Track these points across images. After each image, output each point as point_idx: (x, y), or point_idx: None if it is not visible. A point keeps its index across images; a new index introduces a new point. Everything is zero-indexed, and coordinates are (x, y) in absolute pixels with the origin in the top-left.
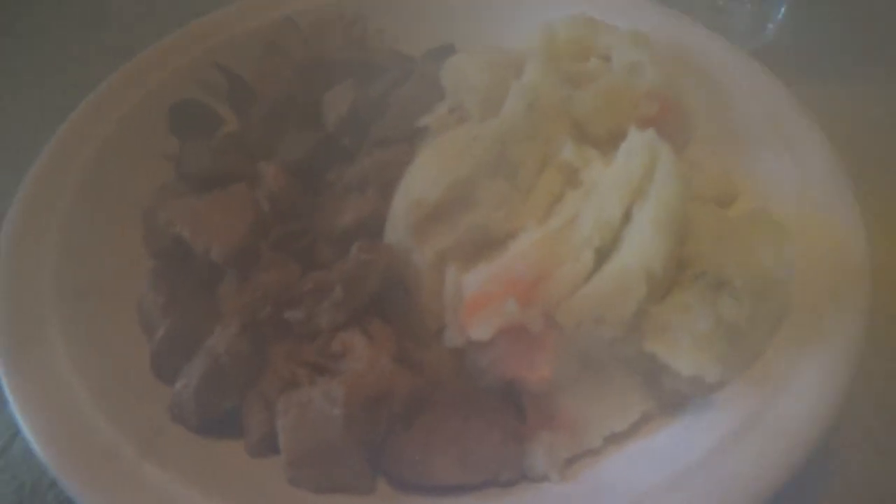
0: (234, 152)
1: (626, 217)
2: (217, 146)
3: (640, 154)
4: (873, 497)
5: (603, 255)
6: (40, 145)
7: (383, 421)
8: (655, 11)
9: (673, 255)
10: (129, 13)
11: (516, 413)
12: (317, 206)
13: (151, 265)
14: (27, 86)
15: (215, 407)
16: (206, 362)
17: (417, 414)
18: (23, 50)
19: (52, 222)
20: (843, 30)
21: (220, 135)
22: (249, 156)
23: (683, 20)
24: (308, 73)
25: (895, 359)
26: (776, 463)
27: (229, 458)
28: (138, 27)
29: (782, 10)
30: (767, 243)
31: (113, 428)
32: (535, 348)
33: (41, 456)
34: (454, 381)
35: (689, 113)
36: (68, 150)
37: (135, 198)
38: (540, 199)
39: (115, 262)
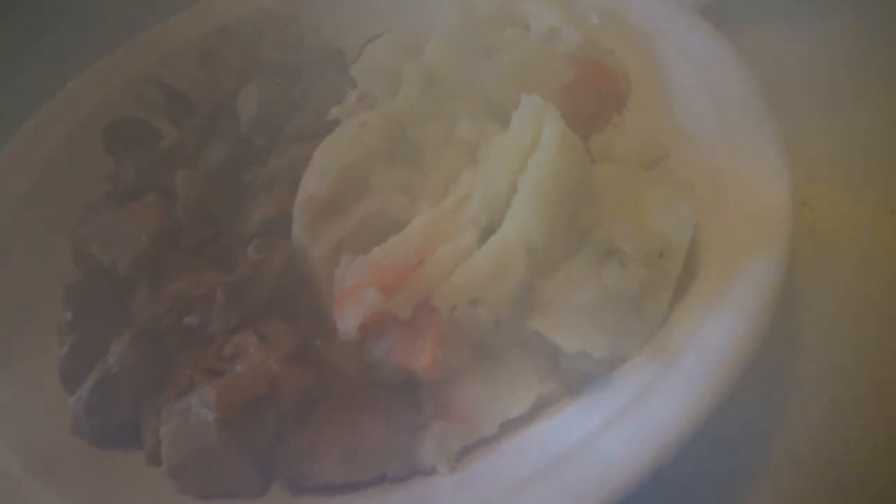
0: (165, 165)
1: (513, 189)
2: (150, 161)
3: (527, 121)
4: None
5: (491, 232)
6: None
7: (270, 421)
8: None
9: (560, 225)
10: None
11: (413, 405)
12: (231, 208)
13: (67, 283)
14: None
15: (108, 418)
16: (98, 374)
17: (311, 411)
18: None
19: None
20: None
21: (155, 150)
22: (180, 167)
23: None
24: (243, 79)
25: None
26: (653, 443)
27: (127, 469)
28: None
29: None
30: (666, 205)
31: (4, 445)
32: (419, 336)
33: None
34: (357, 376)
35: (623, 75)
36: (8, 173)
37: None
38: (439, 180)
39: (45, 284)
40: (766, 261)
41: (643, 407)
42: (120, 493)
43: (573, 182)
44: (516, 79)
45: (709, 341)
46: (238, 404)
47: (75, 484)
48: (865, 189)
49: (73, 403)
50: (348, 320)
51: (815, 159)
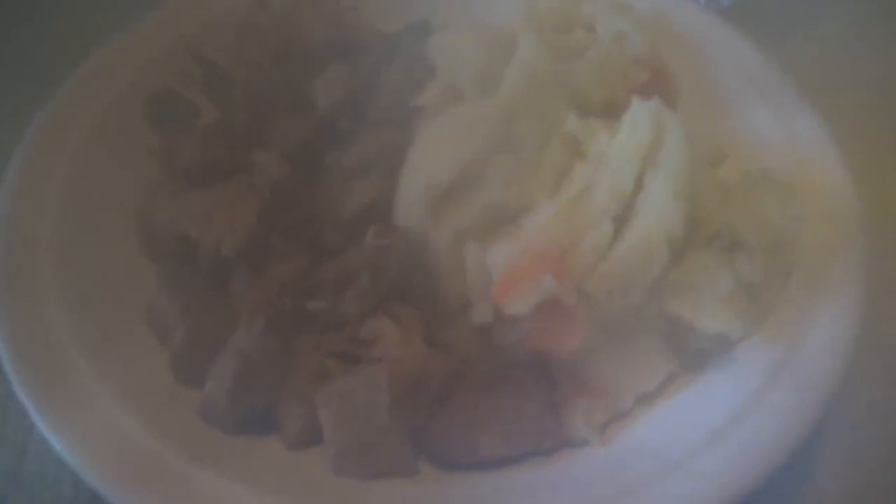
0: (220, 143)
1: (639, 185)
2: (201, 138)
3: (647, 123)
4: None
5: (619, 223)
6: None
7: (424, 404)
8: None
9: (689, 219)
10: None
11: (547, 384)
12: (318, 192)
13: (156, 267)
14: None
15: (250, 406)
16: (237, 362)
17: (452, 394)
18: None
19: (42, 235)
20: None
21: (200, 125)
22: (236, 145)
23: None
24: (286, 56)
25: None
26: (804, 412)
27: (268, 453)
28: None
29: None
30: (773, 201)
31: (153, 437)
32: (566, 319)
33: (87, 476)
34: (481, 358)
35: (674, 78)
36: (47, 154)
37: (121, 197)
38: (548, 173)
39: (112, 266)
40: (848, 255)
41: (777, 387)
42: (274, 476)
43: (694, 179)
44: (599, 78)
45: (822, 328)
46: (404, 386)
47: (230, 468)
48: None
49: (210, 393)
50: (520, 303)
51: None
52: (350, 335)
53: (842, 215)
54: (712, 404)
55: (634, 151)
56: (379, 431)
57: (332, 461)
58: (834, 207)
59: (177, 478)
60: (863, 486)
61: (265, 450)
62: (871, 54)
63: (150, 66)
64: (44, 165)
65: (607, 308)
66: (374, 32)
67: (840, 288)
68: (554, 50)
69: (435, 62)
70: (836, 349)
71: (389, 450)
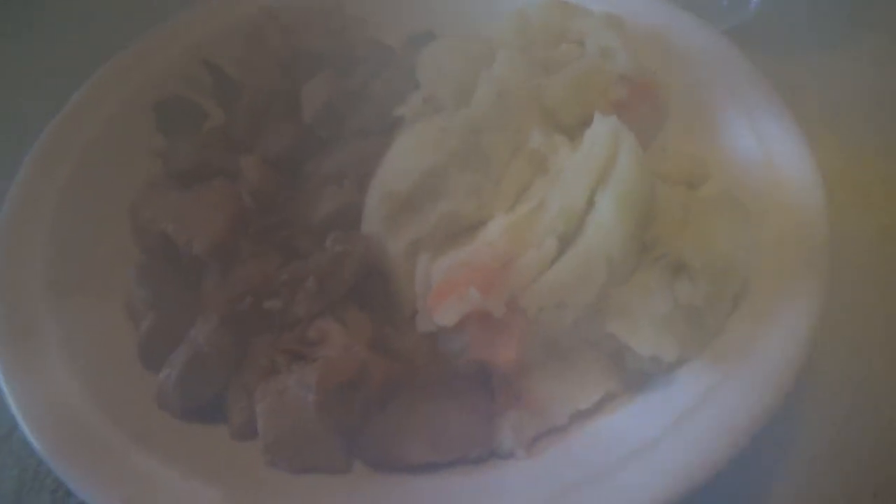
0: (219, 147)
1: (590, 203)
2: (202, 141)
3: (603, 140)
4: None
5: (566, 241)
6: (23, 146)
7: (357, 405)
8: None
9: (633, 239)
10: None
11: (486, 394)
12: (295, 197)
13: (137, 261)
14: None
15: (198, 395)
16: (188, 353)
17: (392, 397)
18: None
19: (42, 220)
20: (824, 2)
21: (204, 130)
22: (234, 150)
23: (656, 1)
24: (289, 65)
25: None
26: (729, 437)
27: (212, 441)
28: (116, 24)
29: None
30: (728, 226)
31: (104, 418)
32: (502, 332)
33: (37, 447)
34: (429, 365)
35: (663, 96)
36: (57, 150)
37: (124, 194)
38: (509, 187)
39: (105, 258)
40: (809, 281)
41: (709, 408)
42: (212, 463)
43: (647, 200)
44: (575, 94)
45: (764, 352)
46: (334, 386)
47: (172, 453)
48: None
49: (163, 380)
50: (447, 315)
51: None
52: (299, 335)
53: (807, 244)
54: (642, 422)
55: (588, 169)
56: (306, 428)
57: (264, 453)
58: (801, 235)
59: (115, 455)
60: None
61: (210, 438)
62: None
63: (162, 72)
64: (54, 160)
65: (544, 324)
66: (372, 44)
67: (789, 318)
68: (540, 64)
69: (419, 74)
70: (772, 380)
71: (319, 446)
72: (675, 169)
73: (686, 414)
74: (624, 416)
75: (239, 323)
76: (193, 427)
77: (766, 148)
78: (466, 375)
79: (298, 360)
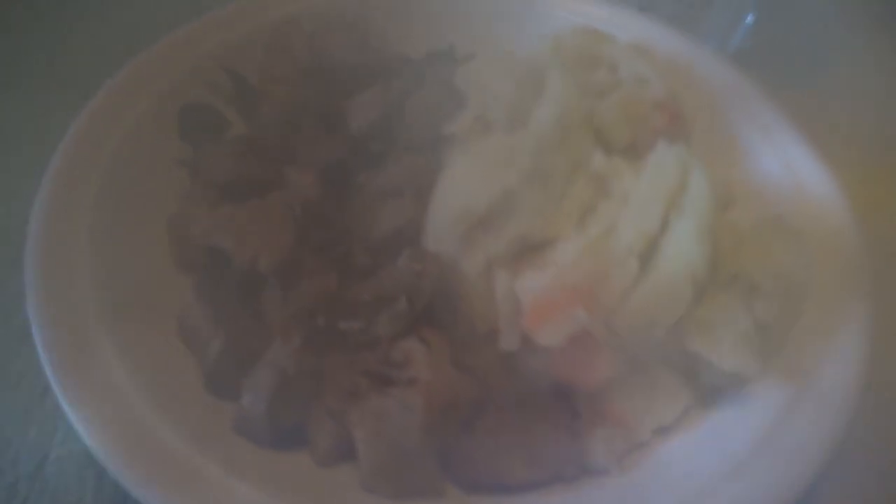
0: (252, 158)
1: (664, 227)
2: (233, 151)
3: (674, 166)
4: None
5: (643, 262)
6: (41, 149)
7: (454, 426)
8: (649, 23)
9: (711, 260)
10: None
11: (570, 411)
12: (349, 212)
13: (191, 279)
14: (21, 87)
15: (285, 421)
16: (273, 376)
17: (477, 418)
18: (15, 51)
19: (78, 237)
20: (809, 34)
21: (229, 138)
22: (268, 161)
23: (673, 32)
24: (315, 76)
25: None
26: (817, 447)
27: (298, 468)
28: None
29: (750, 15)
30: (787, 248)
31: (191, 448)
32: (594, 352)
33: (127, 485)
34: (504, 384)
35: (687, 122)
36: (80, 162)
37: (153, 206)
38: (573, 208)
39: (143, 274)
40: (857, 299)
41: (789, 427)
42: (306, 491)
43: (715, 223)
44: (624, 119)
45: (832, 368)
46: (437, 409)
47: (266, 482)
48: None
49: (247, 406)
50: (552, 335)
51: None
52: (382, 356)
53: (847, 259)
54: (727, 439)
55: (660, 193)
56: (410, 452)
57: (364, 479)
58: (839, 251)
59: (216, 490)
60: None
61: (295, 465)
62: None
63: (183, 78)
64: (78, 174)
65: (632, 343)
66: (401, 58)
67: (847, 328)
68: (579, 87)
69: (465, 91)
70: (844, 388)
71: (419, 470)
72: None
73: (769, 432)
74: (706, 431)
75: (316, 343)
76: (276, 455)
77: (791, 171)
78: (547, 394)
79: (383, 382)
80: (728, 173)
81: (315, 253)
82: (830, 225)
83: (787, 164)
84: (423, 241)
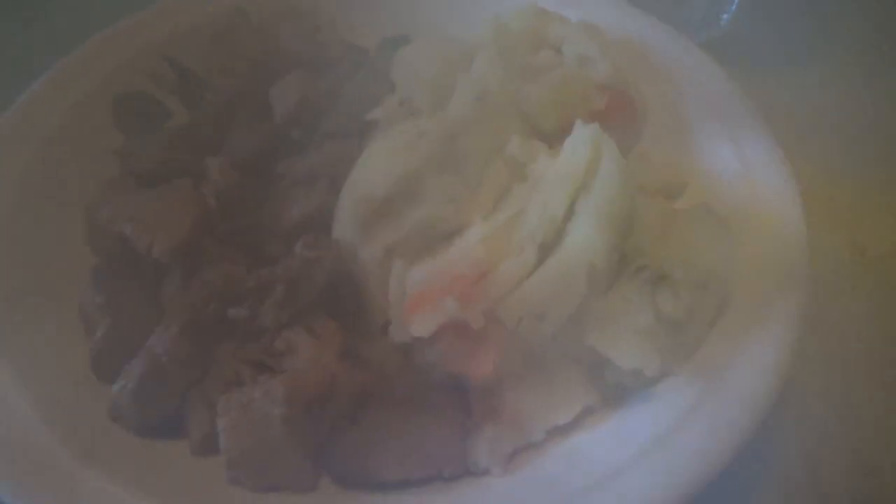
0: (182, 147)
1: (570, 212)
2: (164, 140)
3: (585, 148)
4: (811, 481)
5: (546, 250)
6: None
7: (326, 419)
8: (607, 3)
9: (615, 249)
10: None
11: (462, 407)
12: (265, 200)
13: (93, 264)
14: None
15: (155, 408)
16: (145, 363)
17: (363, 410)
18: None
19: None
20: (796, 19)
21: (167, 128)
22: (198, 150)
23: (634, 11)
24: (260, 66)
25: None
26: (711, 455)
27: (171, 457)
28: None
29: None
30: (709, 239)
31: (51, 434)
32: (479, 344)
33: None
34: (402, 377)
35: (640, 106)
36: (9, 145)
37: (79, 194)
38: (487, 194)
39: (58, 261)
40: (788, 296)
41: (688, 429)
42: (167, 482)
43: (628, 209)
44: (555, 101)
45: (744, 368)
46: (303, 401)
47: (123, 471)
48: None
49: (117, 392)
50: (423, 325)
51: None
52: (266, 345)
53: (787, 257)
54: (619, 441)
55: (569, 177)
56: (272, 443)
57: (226, 470)
58: (780, 246)
59: (62, 475)
60: None
61: (169, 453)
62: (863, 95)
63: (123, 67)
64: (4, 157)
65: (523, 336)
66: (345, 45)
67: (770, 334)
68: (518, 70)
69: (394, 77)
70: (752, 398)
71: (285, 463)
72: (653, 179)
73: (665, 434)
74: (601, 433)
75: (201, 331)
76: (151, 441)
77: (744, 161)
78: (441, 388)
79: (264, 371)
80: (679, 158)
81: (225, 241)
82: (775, 218)
83: (741, 154)
84: (333, 230)
